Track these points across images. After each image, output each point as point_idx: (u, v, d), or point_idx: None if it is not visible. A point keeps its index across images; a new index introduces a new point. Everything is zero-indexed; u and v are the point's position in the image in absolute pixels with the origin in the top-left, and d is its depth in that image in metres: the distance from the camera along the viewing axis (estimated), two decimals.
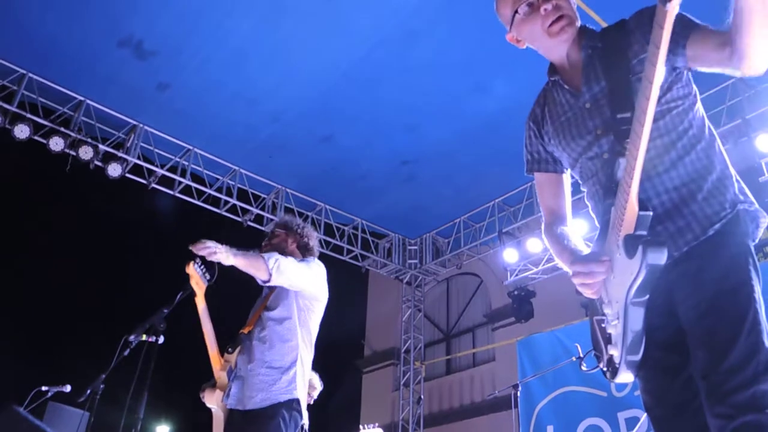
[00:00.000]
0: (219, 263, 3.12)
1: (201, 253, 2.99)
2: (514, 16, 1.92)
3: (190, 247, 3.00)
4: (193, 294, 3.27)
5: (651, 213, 1.59)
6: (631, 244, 1.58)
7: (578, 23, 1.90)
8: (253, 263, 3.14)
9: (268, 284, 3.22)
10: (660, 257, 1.54)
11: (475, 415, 11.81)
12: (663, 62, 1.40)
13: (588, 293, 1.80)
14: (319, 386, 5.87)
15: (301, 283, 3.35)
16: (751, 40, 1.51)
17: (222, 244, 3.16)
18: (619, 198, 1.64)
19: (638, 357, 1.70)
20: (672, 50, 1.73)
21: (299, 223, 3.73)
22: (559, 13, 1.87)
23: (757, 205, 1.82)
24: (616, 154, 1.73)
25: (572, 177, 2.12)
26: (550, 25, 1.88)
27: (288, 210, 9.79)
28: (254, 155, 9.13)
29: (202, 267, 3.26)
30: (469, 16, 6.53)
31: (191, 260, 3.19)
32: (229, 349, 3.31)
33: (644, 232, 1.60)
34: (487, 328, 12.75)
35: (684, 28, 1.74)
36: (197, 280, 3.26)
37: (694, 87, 1.88)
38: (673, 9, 1.32)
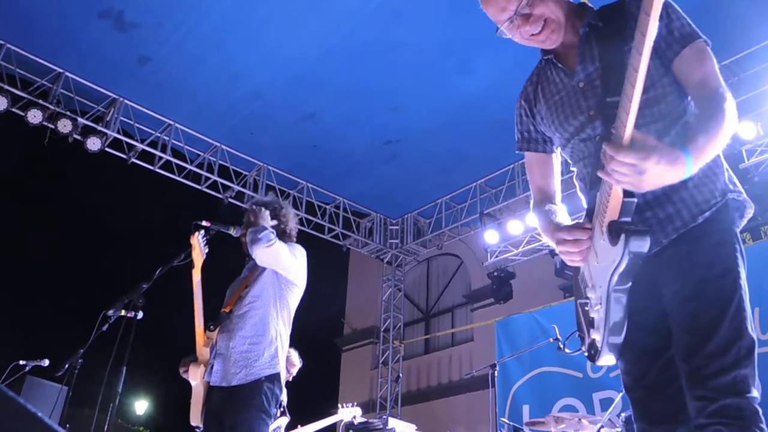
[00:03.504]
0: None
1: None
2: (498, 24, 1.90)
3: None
4: (191, 265, 3.31)
5: (635, 200, 1.59)
6: (615, 231, 1.58)
7: (562, 18, 1.86)
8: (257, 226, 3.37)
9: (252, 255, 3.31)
10: (643, 245, 1.54)
11: (453, 394, 11.94)
12: (649, 50, 1.39)
13: (573, 260, 1.80)
14: (298, 363, 5.90)
15: (282, 267, 3.40)
16: None
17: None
18: (605, 183, 1.63)
19: (620, 339, 1.71)
20: (665, 52, 1.77)
21: (279, 205, 3.71)
22: (541, 23, 1.85)
23: (744, 195, 1.84)
24: (606, 138, 1.72)
25: (562, 156, 2.12)
26: (536, 34, 1.87)
27: (269, 188, 9.73)
28: (236, 131, 9.04)
29: (205, 239, 3.31)
30: None
31: (196, 231, 3.27)
32: (211, 327, 3.32)
33: (629, 219, 1.59)
34: (466, 309, 12.85)
35: (683, 38, 1.76)
36: (198, 252, 3.30)
37: None
38: None
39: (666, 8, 1.79)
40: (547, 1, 1.84)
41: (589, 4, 1.95)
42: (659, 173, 1.49)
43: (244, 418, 3.07)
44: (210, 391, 3.27)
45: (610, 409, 4.86)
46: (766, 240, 6.83)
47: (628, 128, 1.49)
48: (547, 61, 2.01)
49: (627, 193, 1.58)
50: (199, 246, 3.31)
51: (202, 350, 3.31)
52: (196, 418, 3.29)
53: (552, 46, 1.92)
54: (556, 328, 5.27)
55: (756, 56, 7.04)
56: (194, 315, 3.29)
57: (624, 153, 1.49)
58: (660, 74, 1.80)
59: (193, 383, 3.34)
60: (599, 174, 1.58)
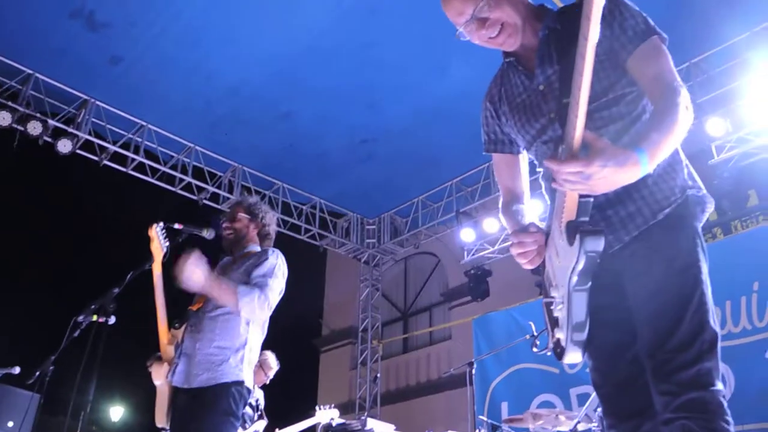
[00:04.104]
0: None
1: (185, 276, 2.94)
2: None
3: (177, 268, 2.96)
4: (150, 260, 3.23)
5: (591, 200, 1.59)
6: (572, 231, 1.60)
7: (519, 21, 1.87)
8: (225, 299, 3.11)
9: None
10: (598, 245, 1.55)
11: (432, 393, 11.97)
12: (592, 54, 1.41)
13: (523, 263, 1.83)
14: (275, 366, 5.87)
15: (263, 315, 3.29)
16: None
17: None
18: None
19: (583, 336, 1.72)
20: (619, 53, 1.77)
21: (263, 209, 3.65)
22: (498, 27, 1.86)
23: (704, 191, 1.86)
24: (562, 140, 1.75)
25: (529, 157, 2.13)
26: (493, 38, 1.89)
27: (245, 188, 9.67)
28: (210, 132, 8.95)
29: (163, 231, 3.24)
30: None
31: (154, 224, 3.22)
32: (176, 325, 3.24)
33: (586, 219, 1.60)
34: (444, 307, 12.89)
35: (636, 36, 1.76)
36: (157, 244, 3.23)
37: None
38: (599, 1, 1.34)
39: (618, 7, 1.80)
40: (503, 6, 1.84)
41: (550, 5, 1.96)
42: (609, 175, 1.47)
43: (211, 421, 3.00)
44: (175, 392, 3.17)
45: (587, 404, 4.90)
46: (736, 234, 6.93)
47: (578, 131, 1.50)
48: (509, 63, 2.02)
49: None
50: (157, 238, 3.23)
51: (166, 348, 3.20)
52: (161, 420, 3.20)
53: (511, 48, 1.93)
54: (533, 325, 5.31)
55: (726, 53, 7.12)
56: (156, 312, 3.21)
57: (567, 164, 1.48)
58: (618, 76, 1.81)
59: (157, 383, 3.25)
60: (552, 185, 1.58)
